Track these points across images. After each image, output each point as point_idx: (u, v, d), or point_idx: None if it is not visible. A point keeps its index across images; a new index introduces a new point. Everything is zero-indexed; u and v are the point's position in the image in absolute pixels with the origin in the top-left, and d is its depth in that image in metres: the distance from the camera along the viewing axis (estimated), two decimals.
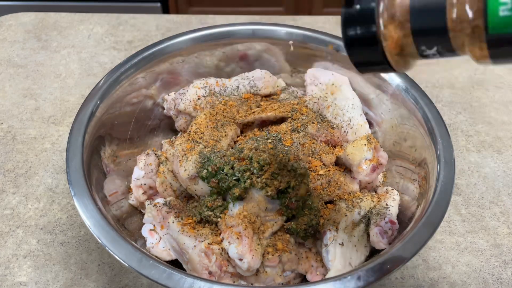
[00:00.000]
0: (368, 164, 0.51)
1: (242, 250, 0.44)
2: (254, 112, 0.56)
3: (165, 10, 1.41)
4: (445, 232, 0.57)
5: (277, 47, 0.63)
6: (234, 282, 0.46)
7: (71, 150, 0.48)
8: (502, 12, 0.26)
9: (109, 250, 0.42)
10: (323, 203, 0.51)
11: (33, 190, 0.61)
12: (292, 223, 0.47)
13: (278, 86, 0.60)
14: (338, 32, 0.85)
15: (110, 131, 0.55)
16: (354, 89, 0.61)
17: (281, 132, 0.54)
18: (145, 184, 0.53)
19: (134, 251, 0.42)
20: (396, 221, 0.49)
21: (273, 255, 0.46)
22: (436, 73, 0.78)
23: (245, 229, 0.45)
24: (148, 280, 0.42)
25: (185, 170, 0.49)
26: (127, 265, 0.42)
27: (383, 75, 0.58)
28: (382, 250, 0.47)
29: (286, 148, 0.51)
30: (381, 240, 0.47)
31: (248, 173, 0.47)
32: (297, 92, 0.62)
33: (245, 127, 0.58)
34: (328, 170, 0.52)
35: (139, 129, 0.60)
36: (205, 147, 0.51)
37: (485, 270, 0.54)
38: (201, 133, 0.52)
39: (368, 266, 0.42)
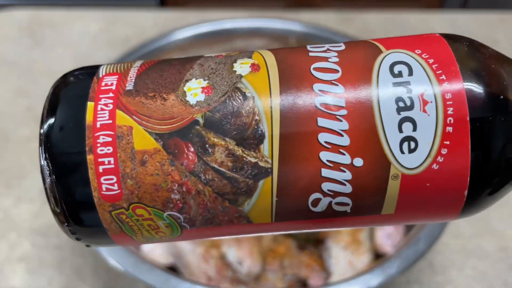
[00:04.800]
0: None
1: (242, 254, 0.43)
2: None
3: (163, 1, 1.38)
4: (450, 235, 0.56)
5: (277, 43, 0.62)
6: (233, 287, 0.45)
7: None
8: None
9: (104, 254, 0.41)
10: None
11: (27, 192, 0.59)
12: None
13: None
14: (341, 28, 0.83)
15: None
16: None
17: None
18: None
19: (130, 255, 0.41)
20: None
21: (273, 259, 0.45)
22: None
23: None
24: (145, 285, 0.41)
25: None
26: (123, 269, 0.41)
27: None
28: (387, 253, 0.46)
29: None
30: (385, 243, 0.46)
31: None
32: None
33: None
34: None
35: None
36: None
37: (492, 273, 0.53)
38: None
39: (372, 270, 0.41)
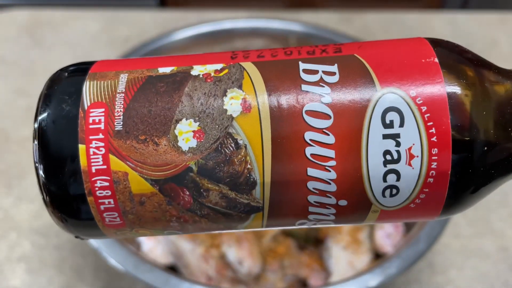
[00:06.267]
0: None
1: (242, 254, 0.43)
2: None
3: (163, 1, 1.38)
4: (450, 235, 0.56)
5: (277, 43, 0.62)
6: (233, 287, 0.45)
7: None
8: None
9: (104, 254, 0.41)
10: None
11: (27, 192, 0.59)
12: None
13: None
14: (341, 28, 0.83)
15: None
16: None
17: None
18: None
19: (130, 255, 0.41)
20: (400, 224, 0.48)
21: (273, 259, 0.45)
22: None
23: (244, 232, 0.44)
24: (145, 285, 0.41)
25: None
26: (123, 269, 0.40)
27: None
28: (387, 253, 0.45)
29: None
30: (385, 243, 0.46)
31: None
32: None
33: None
34: None
35: None
36: None
37: (492, 273, 0.53)
38: None
39: (372, 270, 0.41)
